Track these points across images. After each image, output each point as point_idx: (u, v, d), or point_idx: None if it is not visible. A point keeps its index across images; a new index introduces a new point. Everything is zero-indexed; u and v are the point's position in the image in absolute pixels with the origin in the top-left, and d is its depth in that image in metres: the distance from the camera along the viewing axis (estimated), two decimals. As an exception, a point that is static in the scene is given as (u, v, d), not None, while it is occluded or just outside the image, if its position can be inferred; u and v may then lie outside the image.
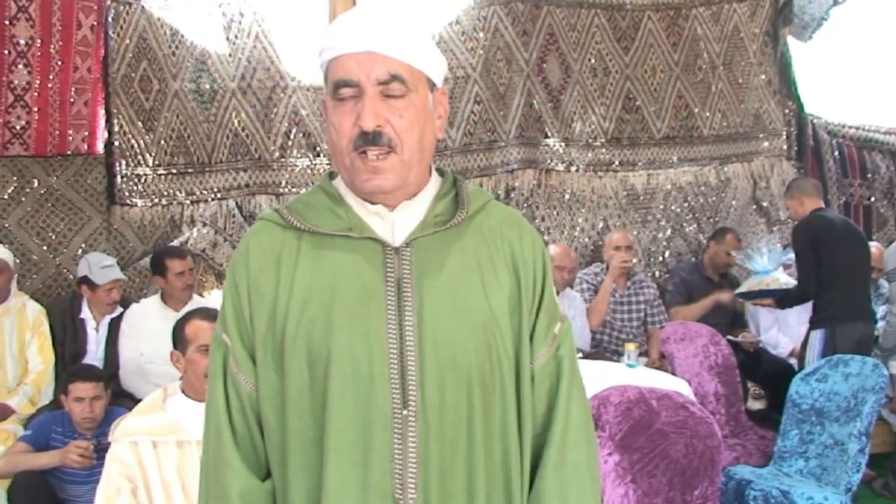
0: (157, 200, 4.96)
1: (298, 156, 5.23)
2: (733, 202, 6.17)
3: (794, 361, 5.07)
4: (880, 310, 5.08)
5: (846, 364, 3.63)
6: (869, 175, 6.71)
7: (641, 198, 5.94)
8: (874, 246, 5.99)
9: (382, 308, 1.32)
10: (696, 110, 6.07)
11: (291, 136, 5.21)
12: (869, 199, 6.77)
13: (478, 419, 1.35)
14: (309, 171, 5.23)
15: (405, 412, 1.30)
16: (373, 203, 1.37)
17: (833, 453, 3.50)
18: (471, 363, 1.34)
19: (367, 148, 1.30)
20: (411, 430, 1.30)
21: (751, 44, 6.23)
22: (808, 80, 6.55)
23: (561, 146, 5.70)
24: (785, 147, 6.35)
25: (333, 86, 1.33)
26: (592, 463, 1.44)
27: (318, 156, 5.20)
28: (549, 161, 5.68)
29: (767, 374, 4.87)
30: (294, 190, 5.14)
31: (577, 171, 5.74)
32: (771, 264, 4.74)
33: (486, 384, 1.35)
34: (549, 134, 5.67)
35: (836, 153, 6.59)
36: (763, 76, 6.29)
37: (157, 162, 4.97)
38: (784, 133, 6.35)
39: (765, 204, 6.31)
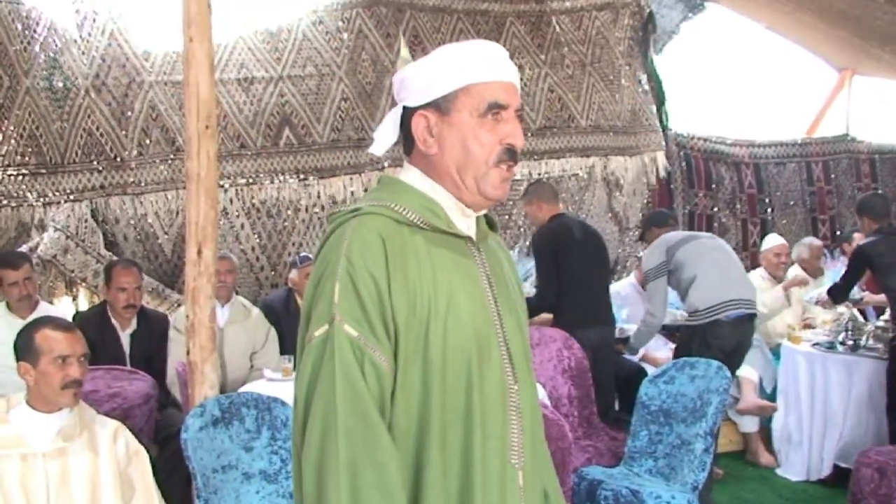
0: (5, 202, 4.74)
1: (157, 153, 5.05)
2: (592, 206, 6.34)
3: (646, 365, 5.26)
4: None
5: (692, 366, 3.74)
6: (713, 185, 7.03)
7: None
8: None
9: (486, 298, 1.55)
10: (570, 102, 6.18)
11: (149, 133, 5.04)
12: (713, 209, 7.09)
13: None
14: (169, 169, 5.07)
15: (515, 387, 1.55)
16: (476, 209, 1.61)
17: (680, 453, 3.60)
18: (525, 343, 1.62)
19: (509, 163, 1.56)
20: (514, 402, 1.54)
21: (616, 46, 6.42)
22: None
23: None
24: (664, 143, 6.58)
25: (487, 106, 1.54)
26: None
27: (179, 150, 5.02)
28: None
29: (619, 377, 4.99)
30: (155, 188, 5.00)
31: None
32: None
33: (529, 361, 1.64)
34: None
35: (684, 164, 6.87)
36: (633, 77, 6.49)
37: (6, 162, 4.76)
38: (660, 129, 6.58)
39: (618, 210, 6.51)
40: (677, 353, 4.69)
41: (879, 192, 6.98)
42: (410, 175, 1.60)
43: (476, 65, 1.56)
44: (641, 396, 3.81)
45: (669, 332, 5.58)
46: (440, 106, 1.55)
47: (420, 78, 1.57)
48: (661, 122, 6.70)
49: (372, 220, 1.50)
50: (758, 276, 5.88)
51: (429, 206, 1.55)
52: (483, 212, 1.64)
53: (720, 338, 4.57)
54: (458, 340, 1.47)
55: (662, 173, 6.47)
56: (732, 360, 4.48)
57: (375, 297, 1.44)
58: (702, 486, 3.46)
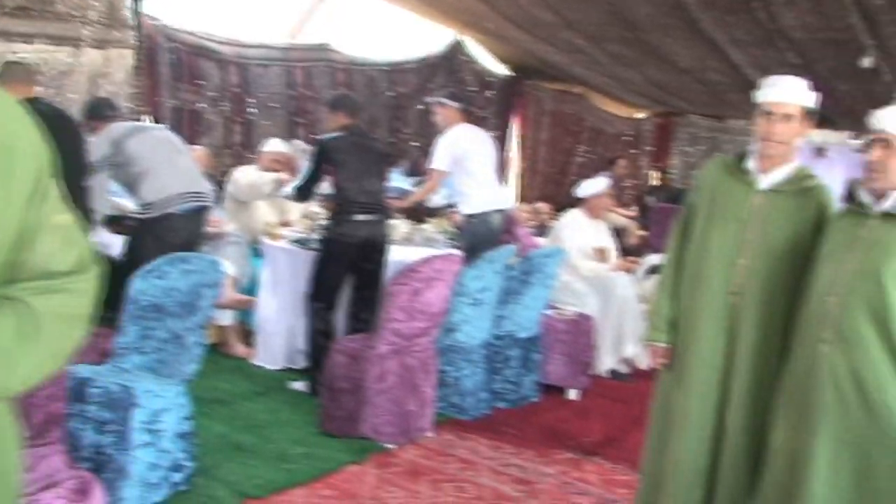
0: None
1: None
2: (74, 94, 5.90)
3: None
4: None
5: (186, 261, 3.74)
6: (200, 82, 6.98)
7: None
8: (201, 149, 6.29)
9: None
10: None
11: None
12: (198, 104, 7.05)
13: None
14: None
15: None
16: None
17: (171, 347, 3.62)
18: None
19: None
20: None
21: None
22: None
23: None
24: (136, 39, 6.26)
25: None
26: None
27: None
28: None
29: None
30: None
31: None
32: None
33: None
34: None
35: (173, 57, 6.70)
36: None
37: None
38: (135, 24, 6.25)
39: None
40: (129, 247, 4.62)
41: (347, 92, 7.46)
42: None
43: None
44: (132, 292, 3.72)
45: (113, 222, 5.40)
46: None
47: None
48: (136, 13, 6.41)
49: None
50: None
51: None
52: None
53: (173, 230, 4.60)
54: None
55: (129, 70, 6.25)
56: (188, 252, 4.54)
57: None
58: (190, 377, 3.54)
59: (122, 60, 6.26)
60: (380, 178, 5.18)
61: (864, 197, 2.68)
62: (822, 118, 5.01)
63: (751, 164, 2.98)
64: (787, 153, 2.94)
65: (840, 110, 8.56)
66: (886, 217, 2.58)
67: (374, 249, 5.06)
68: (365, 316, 5.09)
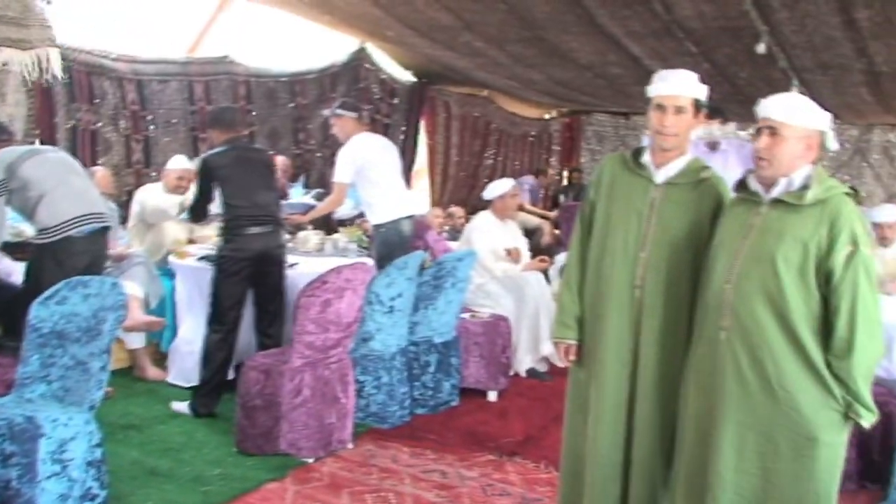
0: None
1: None
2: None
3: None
4: None
5: (85, 285, 3.64)
6: (96, 100, 6.81)
7: None
8: (101, 169, 6.15)
9: None
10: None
11: None
12: (96, 123, 6.88)
13: None
14: None
15: None
16: None
17: (75, 374, 3.52)
18: None
19: None
20: None
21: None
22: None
23: None
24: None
25: None
26: None
27: None
28: None
29: (1, 301, 4.65)
30: None
31: None
32: None
33: None
34: None
35: (67, 76, 6.51)
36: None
37: None
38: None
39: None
40: (30, 274, 4.50)
41: (231, 105, 7.37)
42: None
43: None
44: (32, 319, 3.60)
45: (13, 249, 5.22)
46: None
47: None
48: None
49: None
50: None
51: None
52: None
53: (74, 254, 4.48)
54: None
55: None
56: (90, 275, 4.43)
57: None
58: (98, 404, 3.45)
59: (15, 81, 6.06)
60: (268, 188, 5.08)
61: (754, 185, 2.76)
62: (713, 111, 5.16)
63: (647, 158, 3.04)
64: (680, 145, 3.01)
65: (740, 98, 8.79)
66: (776, 204, 2.66)
67: (270, 262, 4.99)
68: (272, 331, 5.04)
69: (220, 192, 4.90)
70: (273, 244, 5.00)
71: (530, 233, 8.66)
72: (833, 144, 2.73)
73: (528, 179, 11.83)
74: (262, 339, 5.03)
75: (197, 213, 5.13)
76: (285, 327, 5.00)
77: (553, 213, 10.88)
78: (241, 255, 4.86)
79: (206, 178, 4.93)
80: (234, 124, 5.08)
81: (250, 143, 5.53)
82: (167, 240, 6.07)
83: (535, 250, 7.49)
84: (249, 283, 4.94)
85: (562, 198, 12.00)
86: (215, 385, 4.89)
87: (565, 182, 13.28)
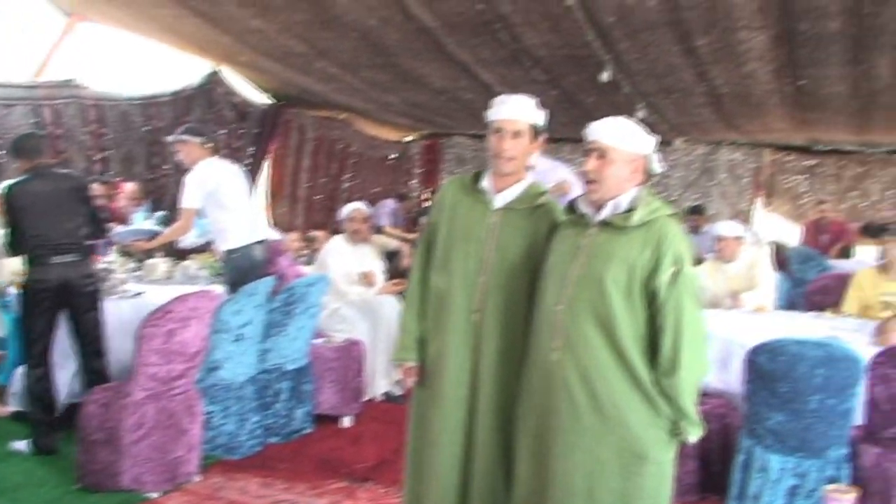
0: None
1: None
2: None
3: None
4: None
5: None
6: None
7: None
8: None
9: None
10: None
11: None
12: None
13: None
14: None
15: None
16: None
17: None
18: None
19: None
20: None
21: None
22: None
23: None
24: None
25: None
26: None
27: None
28: None
29: None
30: None
31: None
32: None
33: None
34: None
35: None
36: None
37: None
38: None
39: None
40: None
41: (33, 131, 7.13)
42: None
43: None
44: None
45: None
46: None
47: None
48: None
49: None
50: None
51: None
52: None
53: None
54: None
55: None
56: None
57: None
58: None
59: None
60: (74, 214, 4.83)
61: (584, 207, 2.84)
62: (552, 136, 5.31)
63: (486, 182, 3.09)
64: (518, 170, 3.06)
65: (588, 122, 9.10)
66: (604, 226, 2.75)
67: (76, 293, 4.79)
68: (96, 366, 4.87)
69: (21, 222, 4.70)
70: (77, 273, 4.79)
71: (391, 255, 8.66)
72: (657, 167, 2.83)
73: (389, 203, 11.87)
74: (88, 376, 4.84)
75: (14, 246, 4.84)
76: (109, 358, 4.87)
77: (413, 236, 10.91)
78: (42, 285, 4.67)
79: (9, 209, 4.73)
80: (37, 151, 4.86)
81: (59, 169, 5.29)
82: (4, 272, 5.77)
83: (395, 273, 7.49)
84: (54, 315, 4.75)
85: (422, 220, 12.07)
86: (50, 422, 4.67)
87: (426, 204, 13.38)
